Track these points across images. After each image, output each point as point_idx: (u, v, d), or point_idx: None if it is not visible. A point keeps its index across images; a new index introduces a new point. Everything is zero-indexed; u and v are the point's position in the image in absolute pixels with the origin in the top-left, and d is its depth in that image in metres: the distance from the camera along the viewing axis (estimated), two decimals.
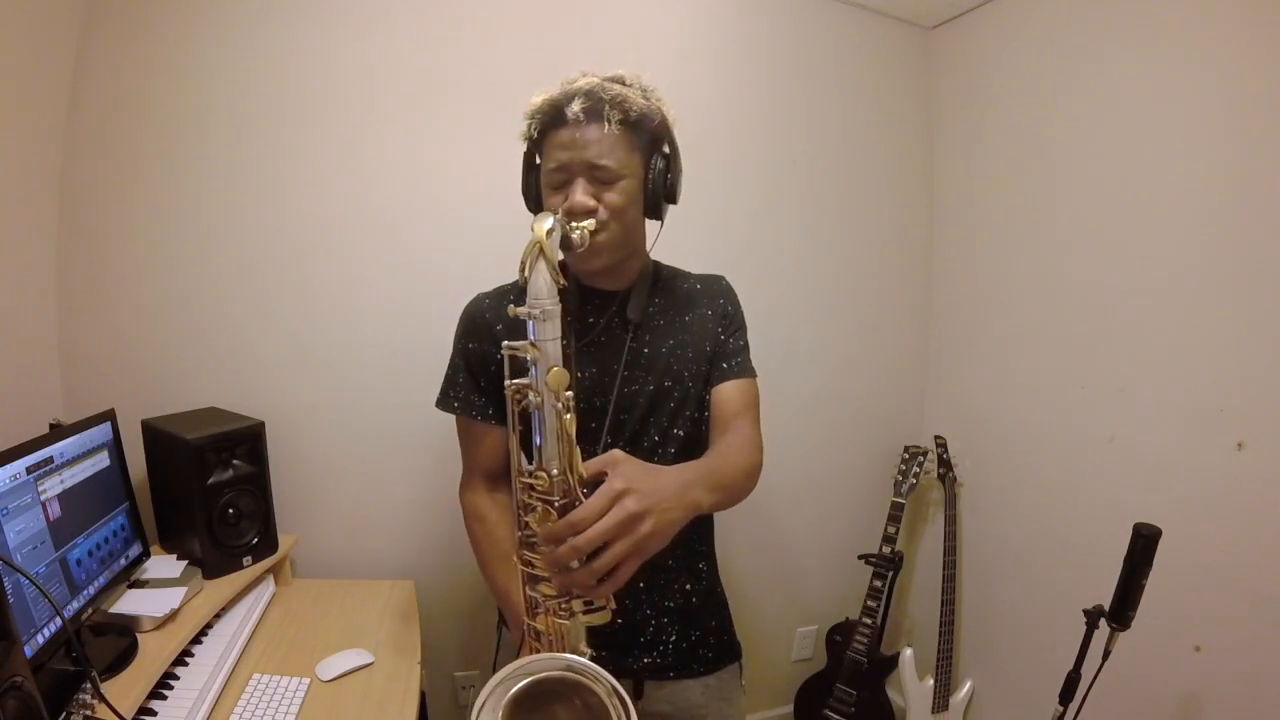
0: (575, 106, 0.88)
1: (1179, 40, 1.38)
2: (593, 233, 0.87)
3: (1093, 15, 1.55)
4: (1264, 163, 1.25)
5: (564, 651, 0.75)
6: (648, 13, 1.69)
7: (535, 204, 0.98)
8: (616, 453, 0.75)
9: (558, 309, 0.73)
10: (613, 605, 0.75)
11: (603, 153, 0.89)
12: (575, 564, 0.69)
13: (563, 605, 0.75)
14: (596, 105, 0.88)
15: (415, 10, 1.51)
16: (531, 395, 0.73)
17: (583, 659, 0.67)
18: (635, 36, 1.67)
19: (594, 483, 0.72)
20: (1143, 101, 1.46)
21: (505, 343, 0.75)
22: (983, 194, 1.90)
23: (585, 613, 0.75)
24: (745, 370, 1.05)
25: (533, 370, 0.73)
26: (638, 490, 0.70)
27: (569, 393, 0.73)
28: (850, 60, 1.90)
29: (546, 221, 0.76)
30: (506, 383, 0.75)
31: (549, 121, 0.91)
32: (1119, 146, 1.51)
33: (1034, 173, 1.73)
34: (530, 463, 0.75)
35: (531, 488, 0.74)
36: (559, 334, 0.74)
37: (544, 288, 0.72)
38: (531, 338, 0.73)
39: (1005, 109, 1.80)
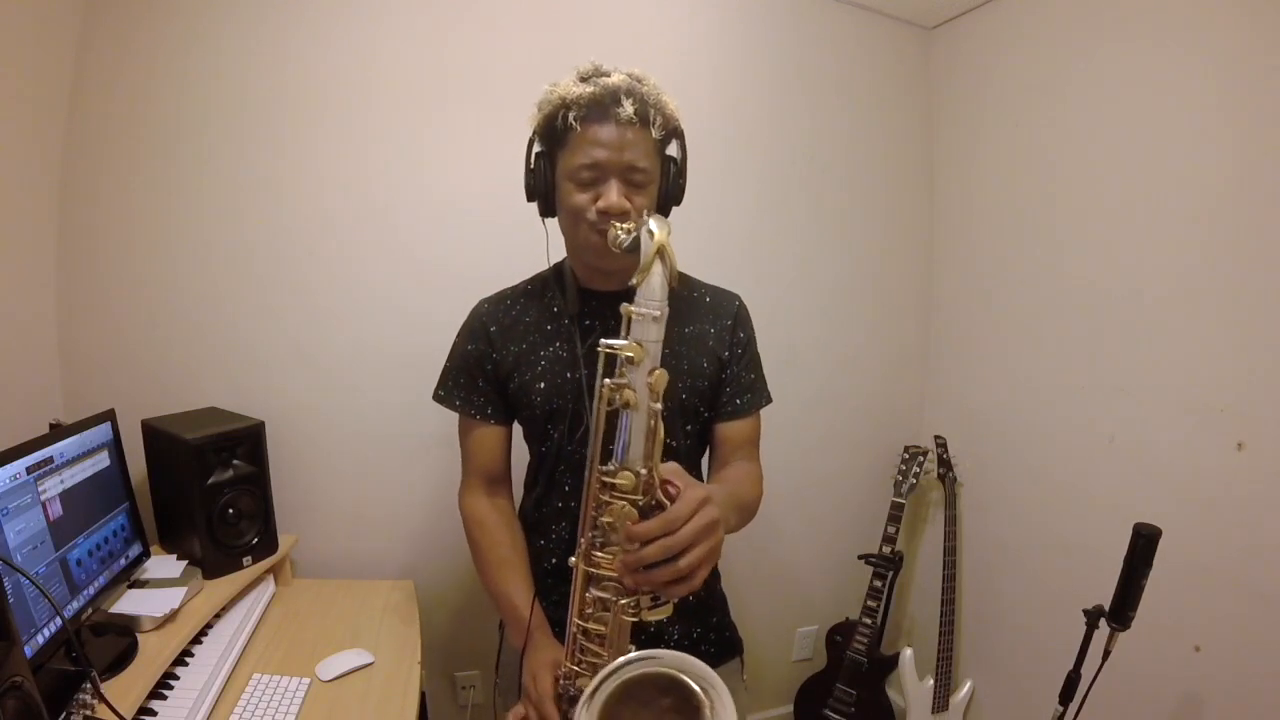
0: (627, 107, 0.86)
1: (1179, 40, 1.38)
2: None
3: (1093, 15, 1.55)
4: (1264, 162, 1.25)
5: (618, 650, 0.77)
6: (648, 11, 1.69)
7: (545, 198, 0.96)
8: (675, 464, 0.76)
9: (666, 313, 0.74)
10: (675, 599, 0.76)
11: (643, 155, 0.88)
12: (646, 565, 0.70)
13: (631, 604, 0.75)
14: (643, 109, 0.87)
15: (415, 10, 1.51)
16: (628, 394, 0.72)
17: (694, 659, 0.68)
18: (635, 35, 1.67)
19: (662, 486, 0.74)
20: (1143, 101, 1.46)
21: (604, 340, 0.74)
22: (983, 194, 1.90)
23: (650, 608, 0.75)
24: (754, 407, 1.05)
25: (631, 370, 0.73)
26: (714, 500, 0.72)
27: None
28: (850, 60, 1.90)
29: (665, 225, 0.76)
30: (602, 380, 0.74)
31: (587, 115, 0.87)
32: (1119, 146, 1.51)
33: (1034, 172, 1.73)
34: (607, 463, 0.75)
35: (613, 486, 0.74)
36: (662, 336, 0.74)
37: (658, 289, 0.73)
38: (637, 337, 0.73)
39: (1005, 109, 1.80)
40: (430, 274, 1.56)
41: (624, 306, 0.74)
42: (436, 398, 1.08)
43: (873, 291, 2.03)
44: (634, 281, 0.74)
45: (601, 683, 0.66)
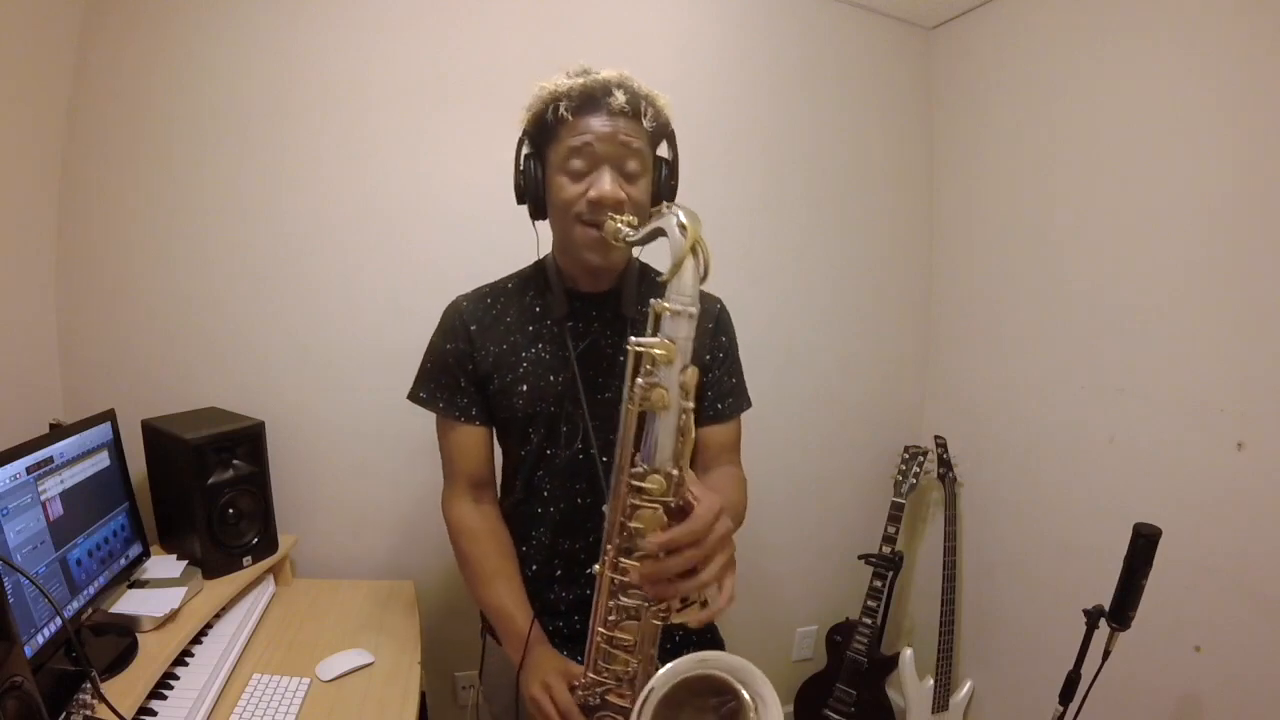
0: (620, 97, 0.85)
1: (1179, 40, 1.38)
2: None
3: (1093, 15, 1.55)
4: (1264, 163, 1.25)
5: (644, 658, 0.76)
6: (648, 12, 1.69)
7: (536, 199, 0.95)
8: (689, 471, 0.75)
9: (698, 310, 0.72)
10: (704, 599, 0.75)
11: (638, 147, 0.88)
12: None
13: (662, 608, 0.74)
14: (635, 100, 0.87)
15: (414, 11, 1.51)
16: (659, 393, 0.70)
17: (746, 661, 0.68)
18: (635, 36, 1.67)
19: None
20: (1143, 101, 1.46)
21: (633, 338, 0.72)
22: (983, 194, 1.90)
23: (680, 609, 0.74)
24: (736, 411, 1.05)
25: (663, 368, 0.70)
26: (725, 509, 0.71)
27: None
28: (850, 60, 1.90)
29: (697, 218, 0.74)
30: (633, 380, 0.72)
31: (579, 107, 0.87)
32: (1119, 146, 1.51)
33: (1034, 173, 1.72)
34: (637, 465, 0.73)
35: (642, 490, 0.72)
36: (694, 333, 0.72)
37: (690, 285, 0.71)
38: (668, 334, 0.70)
39: (1005, 109, 1.80)
40: (430, 274, 1.56)
41: (654, 302, 0.71)
42: (416, 399, 1.05)
43: (873, 291, 2.03)
44: (664, 277, 0.72)
45: (653, 690, 0.66)
